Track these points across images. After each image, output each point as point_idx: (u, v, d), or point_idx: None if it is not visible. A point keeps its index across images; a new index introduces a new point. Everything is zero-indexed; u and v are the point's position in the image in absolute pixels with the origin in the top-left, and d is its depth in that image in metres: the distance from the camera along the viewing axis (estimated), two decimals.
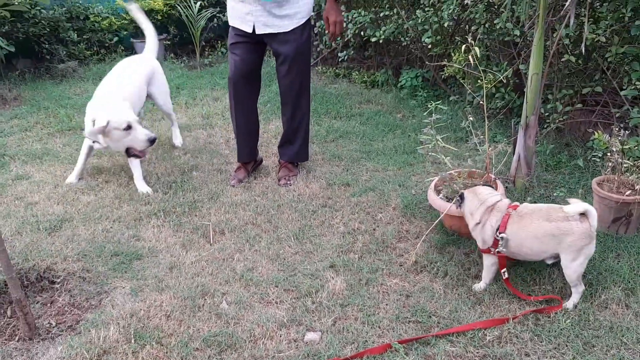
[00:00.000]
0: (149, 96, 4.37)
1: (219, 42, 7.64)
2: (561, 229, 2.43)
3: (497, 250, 2.59)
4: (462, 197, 2.78)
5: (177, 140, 4.62)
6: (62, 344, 2.49)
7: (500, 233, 2.56)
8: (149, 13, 7.23)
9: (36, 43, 6.61)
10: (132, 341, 2.45)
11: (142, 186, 3.85)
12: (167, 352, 2.41)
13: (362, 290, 2.76)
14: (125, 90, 3.96)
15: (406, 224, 3.30)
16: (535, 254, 2.57)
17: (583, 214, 2.41)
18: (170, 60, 7.36)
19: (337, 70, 6.42)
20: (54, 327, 2.67)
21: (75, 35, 6.78)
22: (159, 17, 7.22)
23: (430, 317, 2.53)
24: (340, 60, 6.35)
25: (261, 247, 3.17)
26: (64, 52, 6.75)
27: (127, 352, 2.40)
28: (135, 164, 3.89)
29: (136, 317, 2.62)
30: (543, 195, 3.42)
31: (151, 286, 2.85)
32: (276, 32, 3.58)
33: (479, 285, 2.71)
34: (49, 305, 2.84)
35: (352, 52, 6.19)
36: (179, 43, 7.61)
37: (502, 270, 2.61)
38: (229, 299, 2.75)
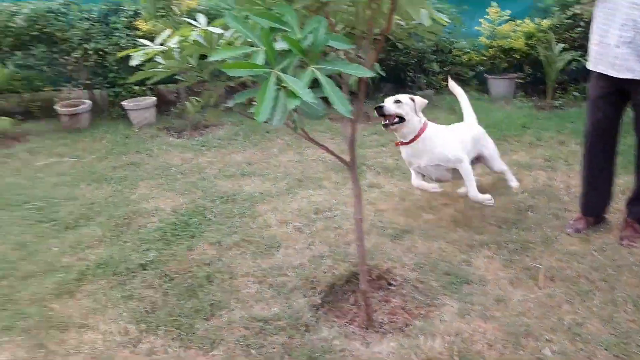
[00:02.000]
0: (477, 159, 4.44)
1: (573, 85, 7.39)
2: None
3: None
4: None
5: (514, 182, 4.54)
6: (394, 341, 2.81)
7: None
8: (508, 51, 7.43)
9: (402, 70, 7.41)
10: (456, 358, 2.63)
11: (477, 195, 3.95)
12: None
13: None
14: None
15: None
16: None
17: None
18: (519, 99, 7.42)
19: None
20: (385, 324, 3.02)
21: (437, 66, 7.38)
22: (517, 56, 7.35)
23: None
24: None
25: (593, 305, 3.03)
26: (424, 81, 7.42)
27: None
28: (469, 178, 3.99)
29: (460, 337, 2.79)
30: None
31: (477, 312, 2.99)
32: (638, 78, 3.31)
33: None
34: (383, 303, 3.21)
35: None
36: (531, 82, 7.61)
37: None
38: (553, 348, 2.71)
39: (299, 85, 1.84)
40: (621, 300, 3.05)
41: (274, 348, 2.78)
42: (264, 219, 4.21)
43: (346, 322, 3.04)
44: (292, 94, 1.84)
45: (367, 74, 2.05)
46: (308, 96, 1.82)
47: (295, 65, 1.95)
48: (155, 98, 7.22)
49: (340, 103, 1.92)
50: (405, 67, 7.37)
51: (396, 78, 7.50)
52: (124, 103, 7.07)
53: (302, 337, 2.85)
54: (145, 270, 3.57)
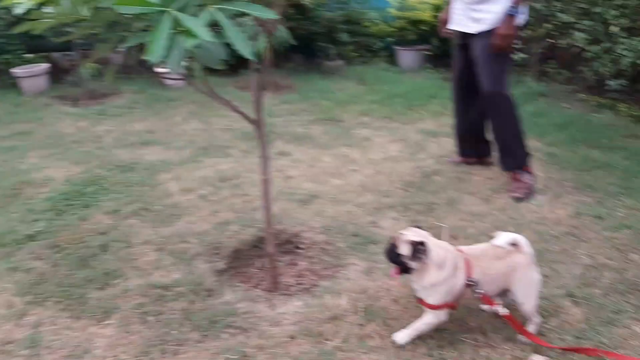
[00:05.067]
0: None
1: None
2: (509, 264, 2.40)
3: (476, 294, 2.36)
4: (420, 247, 2.27)
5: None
6: (299, 301, 2.73)
7: (469, 278, 2.36)
8: (417, 23, 7.51)
9: (312, 40, 7.31)
10: (361, 314, 2.59)
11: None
12: (389, 333, 2.50)
13: (601, 327, 2.53)
14: None
15: None
16: (492, 291, 2.43)
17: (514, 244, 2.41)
18: (428, 70, 7.55)
19: (601, 100, 5.94)
20: (292, 286, 2.95)
21: (347, 37, 7.34)
22: (425, 28, 7.44)
23: None
24: (608, 89, 5.86)
25: None
26: (335, 52, 7.37)
27: (354, 322, 2.55)
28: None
29: (366, 294, 2.77)
30: None
31: (383, 270, 2.97)
32: (468, 31, 3.76)
33: (402, 337, 2.45)
34: (291, 266, 3.13)
35: (625, 82, 5.67)
36: (439, 54, 7.75)
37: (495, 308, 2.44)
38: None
39: (196, 24, 1.69)
40: None
41: (173, 314, 2.63)
42: (165, 188, 4.00)
43: (251, 286, 2.94)
44: (189, 34, 1.68)
45: (271, 15, 1.92)
46: (206, 35, 1.67)
47: (194, 5, 1.79)
48: (48, 65, 6.72)
49: (243, 45, 1.78)
50: (315, 37, 7.27)
51: (306, 48, 7.40)
52: (14, 70, 6.53)
53: (203, 301, 2.72)
54: (33, 241, 3.29)
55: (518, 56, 6.39)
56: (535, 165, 4.28)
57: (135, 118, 5.62)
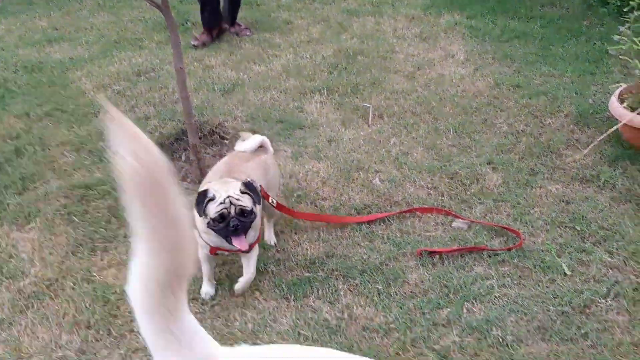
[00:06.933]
0: None
1: None
2: (259, 163, 2.32)
3: None
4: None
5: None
6: None
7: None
8: None
9: None
10: (290, 198, 2.62)
11: None
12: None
13: (518, 189, 2.68)
14: None
15: (577, 132, 3.08)
16: None
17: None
18: None
19: None
20: None
21: None
22: None
23: (590, 225, 2.41)
24: None
25: (418, 136, 3.16)
26: None
27: (284, 204, 2.58)
28: None
29: (295, 178, 2.78)
30: None
31: (310, 154, 2.99)
32: None
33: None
34: (217, 157, 3.08)
35: None
36: None
37: None
38: (382, 177, 2.81)
39: None
40: (443, 128, 3.20)
41: (99, 213, 2.57)
42: (77, 86, 3.77)
43: (178, 180, 2.89)
44: None
45: None
46: None
47: None
48: None
49: None
50: None
51: None
52: None
53: None
54: None
55: None
56: (456, 38, 4.29)
57: (38, 15, 5.14)
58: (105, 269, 2.31)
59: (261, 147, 2.38)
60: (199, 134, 3.20)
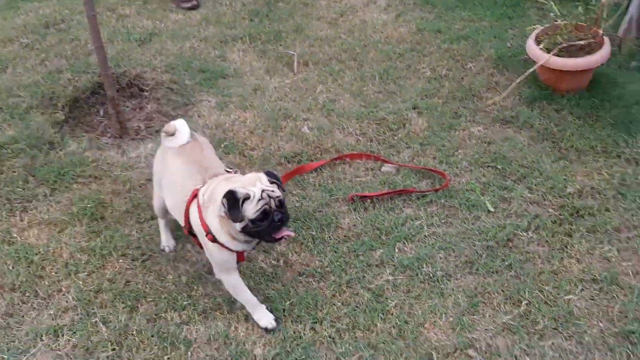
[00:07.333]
0: None
1: None
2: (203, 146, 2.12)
3: None
4: None
5: None
6: (152, 142, 2.63)
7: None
8: None
9: None
10: (218, 149, 2.56)
11: None
12: (249, 163, 2.51)
13: (443, 133, 2.74)
14: None
15: (497, 75, 3.16)
16: None
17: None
18: None
19: None
20: (142, 130, 2.81)
21: None
22: None
23: (510, 164, 2.51)
24: None
25: (344, 82, 3.14)
26: None
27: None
28: None
29: (221, 129, 2.72)
30: None
31: (236, 103, 2.92)
32: None
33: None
34: (137, 110, 2.97)
35: None
36: None
37: None
38: (310, 125, 2.79)
39: None
40: (369, 75, 3.21)
41: (14, 172, 2.43)
42: None
43: (98, 135, 2.76)
44: None
45: None
46: None
47: None
48: None
49: None
50: None
51: None
52: None
53: (46, 155, 2.52)
54: None
55: None
56: None
57: None
58: (26, 230, 2.20)
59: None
60: (117, 86, 3.03)
